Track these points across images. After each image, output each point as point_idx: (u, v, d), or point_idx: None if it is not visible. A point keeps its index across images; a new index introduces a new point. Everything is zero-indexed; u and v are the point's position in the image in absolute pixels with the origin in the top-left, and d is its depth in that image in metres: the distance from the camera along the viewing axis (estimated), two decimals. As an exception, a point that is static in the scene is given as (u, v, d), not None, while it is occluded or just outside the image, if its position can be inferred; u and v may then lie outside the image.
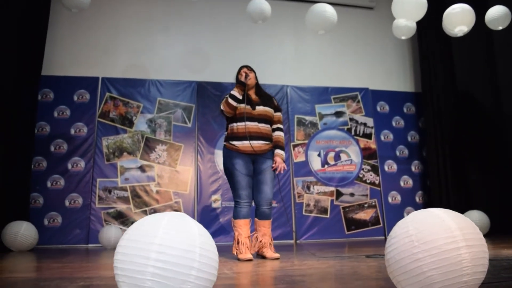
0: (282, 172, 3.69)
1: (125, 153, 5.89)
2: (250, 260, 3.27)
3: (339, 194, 6.41)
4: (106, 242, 5.00)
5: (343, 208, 6.35)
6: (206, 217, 5.90)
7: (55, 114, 5.79)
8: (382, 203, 6.46)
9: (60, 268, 2.90)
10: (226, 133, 3.68)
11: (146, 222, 1.23)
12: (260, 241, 3.46)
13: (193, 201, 5.95)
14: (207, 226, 5.81)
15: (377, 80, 6.96)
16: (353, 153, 6.59)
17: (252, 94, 3.68)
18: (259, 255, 3.53)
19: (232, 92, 3.49)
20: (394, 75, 7.13)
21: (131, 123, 6.01)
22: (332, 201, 6.36)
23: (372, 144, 6.68)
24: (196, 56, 6.51)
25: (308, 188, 6.37)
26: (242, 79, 3.49)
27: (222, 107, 3.54)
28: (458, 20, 4.09)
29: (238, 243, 3.36)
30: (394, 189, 6.58)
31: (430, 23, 6.01)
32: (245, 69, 3.67)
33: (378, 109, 6.89)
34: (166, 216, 1.22)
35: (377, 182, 6.55)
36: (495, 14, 4.72)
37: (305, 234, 6.12)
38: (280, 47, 6.82)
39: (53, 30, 5.91)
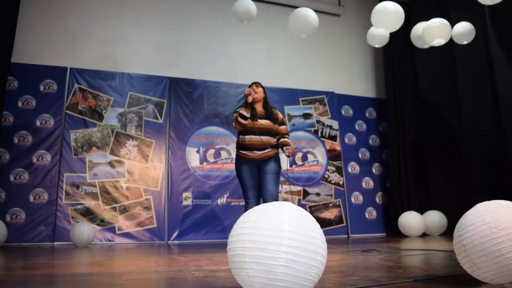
0: (292, 152, 3.98)
1: (94, 148, 5.69)
2: None
3: (306, 194, 6.61)
4: (78, 239, 4.81)
5: (310, 207, 6.55)
6: (177, 214, 5.85)
7: (19, 104, 5.47)
8: (345, 203, 6.74)
9: (44, 266, 2.79)
10: (236, 142, 4.11)
11: (264, 211, 1.27)
12: None
13: (164, 198, 5.86)
14: (177, 224, 5.78)
15: (342, 85, 7.24)
16: (319, 154, 6.82)
17: (259, 107, 4.03)
18: None
19: (241, 112, 3.86)
20: (358, 81, 7.46)
21: (100, 117, 5.81)
22: (299, 200, 6.54)
23: (337, 146, 6.94)
24: (169, 51, 6.42)
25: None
26: (249, 100, 3.85)
27: (233, 124, 3.97)
28: (436, 33, 4.40)
29: None
30: (356, 190, 6.89)
31: (395, 32, 6.34)
32: (253, 86, 4.04)
33: (343, 112, 7.18)
34: (283, 205, 1.29)
35: (341, 182, 6.82)
36: (461, 30, 5.10)
37: (273, 232, 6.24)
38: (252, 48, 6.89)
39: (21, 15, 5.58)
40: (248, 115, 3.87)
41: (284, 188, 6.53)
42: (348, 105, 7.24)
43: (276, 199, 3.94)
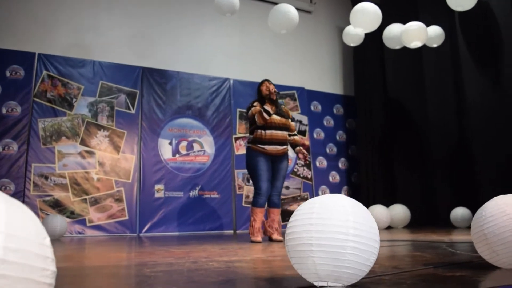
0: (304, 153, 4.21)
1: (63, 137, 5.49)
2: (259, 242, 3.91)
3: (276, 187, 6.71)
4: (50, 232, 4.63)
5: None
6: (149, 207, 5.77)
7: (-17, 90, 5.18)
8: (313, 196, 6.90)
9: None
10: (251, 136, 4.14)
11: (325, 202, 1.33)
12: (269, 226, 4.12)
13: (136, 190, 5.77)
14: (149, 216, 5.73)
15: (312, 81, 7.40)
16: (290, 149, 6.92)
17: (272, 104, 4.08)
18: (268, 237, 4.17)
19: (266, 107, 3.94)
20: (327, 77, 7.64)
21: (70, 106, 5.61)
22: (269, 193, 6.63)
23: (306, 140, 7.09)
24: (142, 41, 6.28)
25: (248, 180, 6.56)
26: (273, 97, 3.97)
27: (256, 118, 3.99)
28: (414, 36, 4.62)
29: (251, 226, 4.01)
30: (324, 184, 7.09)
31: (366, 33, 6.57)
32: (271, 86, 4.10)
33: (312, 108, 7.34)
34: (339, 197, 1.36)
35: (309, 176, 6.99)
36: (432, 33, 5.37)
37: (244, 225, 6.30)
38: (226, 41, 6.88)
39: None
40: (272, 112, 3.96)
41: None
42: (317, 101, 7.41)
43: (280, 195, 4.25)
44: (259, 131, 4.04)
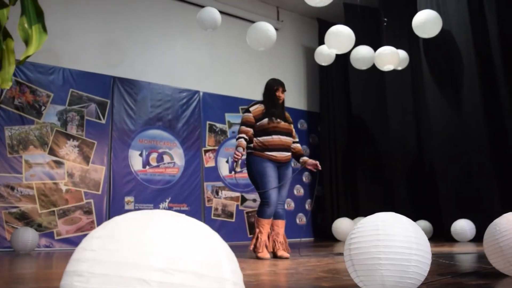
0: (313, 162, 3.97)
1: (31, 146, 5.27)
2: (267, 258, 3.56)
3: (243, 200, 6.81)
4: (21, 246, 4.42)
5: (247, 213, 6.77)
6: (119, 219, 5.65)
7: None
8: (279, 209, 7.07)
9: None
10: (253, 144, 3.83)
11: (386, 219, 1.47)
12: (274, 241, 3.75)
13: (106, 202, 5.63)
14: (121, 229, 5.58)
15: (278, 96, 7.59)
16: (257, 162, 7.07)
17: (280, 109, 3.90)
18: (272, 253, 3.78)
19: (242, 138, 3.73)
20: (292, 93, 7.86)
21: (39, 114, 5.40)
22: (237, 206, 6.72)
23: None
24: (114, 50, 6.19)
25: (217, 193, 6.61)
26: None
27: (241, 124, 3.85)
28: (387, 60, 4.94)
29: (257, 239, 3.64)
30: (289, 197, 7.27)
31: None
32: (281, 89, 3.93)
33: (278, 123, 7.52)
34: (393, 214, 1.51)
35: (275, 189, 7.14)
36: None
37: (213, 237, 6.32)
38: (196, 54, 6.93)
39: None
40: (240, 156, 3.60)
41: (223, 193, 6.66)
42: (283, 116, 7.60)
43: (284, 205, 3.99)
44: (265, 137, 3.75)
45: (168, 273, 0.61)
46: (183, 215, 0.75)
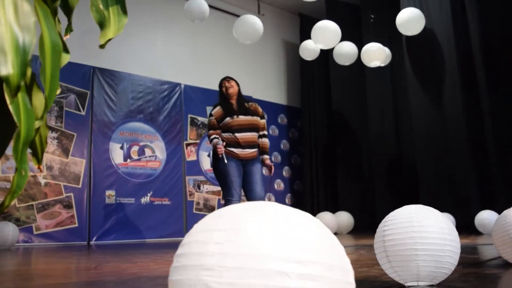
0: (272, 170, 3.93)
1: (8, 138, 5.05)
2: None
3: (225, 194, 6.77)
4: (1, 241, 4.24)
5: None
6: (100, 213, 5.52)
7: None
8: (260, 203, 7.08)
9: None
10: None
11: (419, 212, 1.50)
12: None
13: (86, 196, 5.48)
14: (101, 223, 5.49)
15: (259, 90, 7.58)
16: (238, 156, 7.05)
17: (235, 103, 3.83)
18: None
19: (215, 138, 3.69)
20: (272, 88, 7.89)
21: (16, 104, 5.18)
22: (219, 200, 6.68)
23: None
24: (94, 39, 5.96)
25: (199, 187, 6.55)
26: (218, 152, 3.62)
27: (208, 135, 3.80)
28: (374, 56, 5.01)
29: None
30: (270, 191, 7.29)
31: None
32: (225, 82, 3.86)
33: (259, 117, 7.52)
34: (424, 207, 1.54)
35: (256, 183, 7.14)
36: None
37: (194, 232, 6.26)
38: (178, 46, 6.82)
39: None
40: (221, 142, 3.65)
41: (205, 187, 6.61)
42: (263, 110, 7.57)
43: (263, 200, 3.84)
44: (227, 134, 3.73)
45: (306, 265, 0.59)
46: (285, 206, 0.73)
